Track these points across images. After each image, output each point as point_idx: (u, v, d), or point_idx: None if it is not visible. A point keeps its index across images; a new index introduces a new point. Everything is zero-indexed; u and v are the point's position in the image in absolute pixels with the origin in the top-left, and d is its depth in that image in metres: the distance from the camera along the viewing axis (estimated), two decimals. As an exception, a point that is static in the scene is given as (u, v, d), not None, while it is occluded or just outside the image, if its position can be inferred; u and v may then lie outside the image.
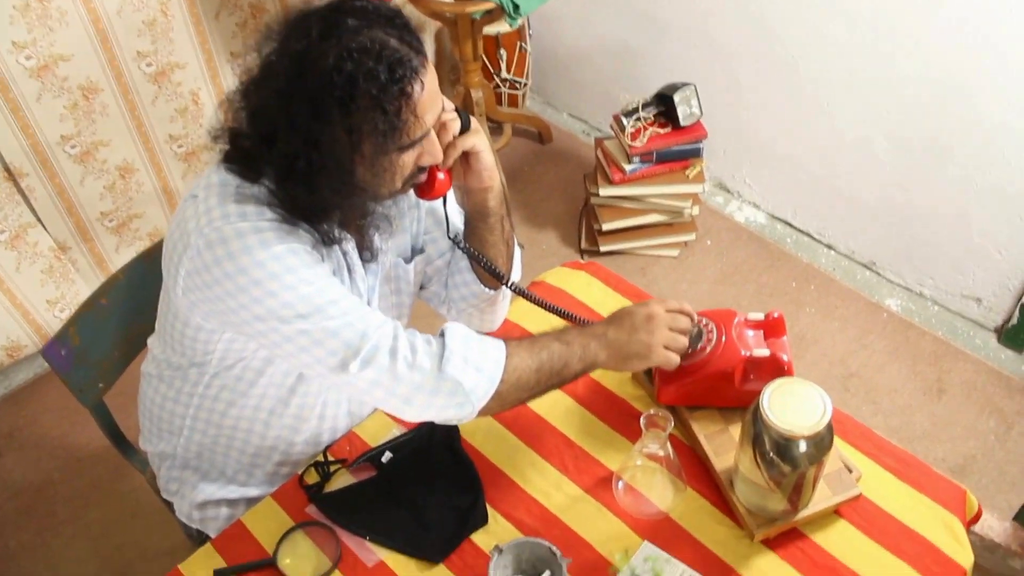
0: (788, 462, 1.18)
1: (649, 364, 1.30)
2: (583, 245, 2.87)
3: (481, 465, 1.41)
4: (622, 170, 2.62)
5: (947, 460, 2.25)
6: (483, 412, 1.24)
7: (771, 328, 1.42)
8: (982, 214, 2.38)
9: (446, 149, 1.27)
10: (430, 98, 1.14)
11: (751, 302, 2.66)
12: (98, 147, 2.42)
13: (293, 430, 1.43)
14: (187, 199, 1.23)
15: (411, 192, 1.29)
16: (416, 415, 1.23)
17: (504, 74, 3.15)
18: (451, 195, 1.41)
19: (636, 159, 2.60)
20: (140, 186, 2.58)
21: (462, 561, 1.30)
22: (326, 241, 1.21)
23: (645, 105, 2.59)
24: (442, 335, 1.24)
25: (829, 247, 2.81)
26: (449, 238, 1.42)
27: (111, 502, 2.27)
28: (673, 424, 1.27)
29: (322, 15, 1.09)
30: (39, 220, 2.39)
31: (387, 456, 1.42)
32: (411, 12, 1.19)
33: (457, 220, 1.46)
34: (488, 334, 1.59)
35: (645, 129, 2.57)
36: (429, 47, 3.21)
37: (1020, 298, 2.42)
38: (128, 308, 1.58)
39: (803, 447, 1.16)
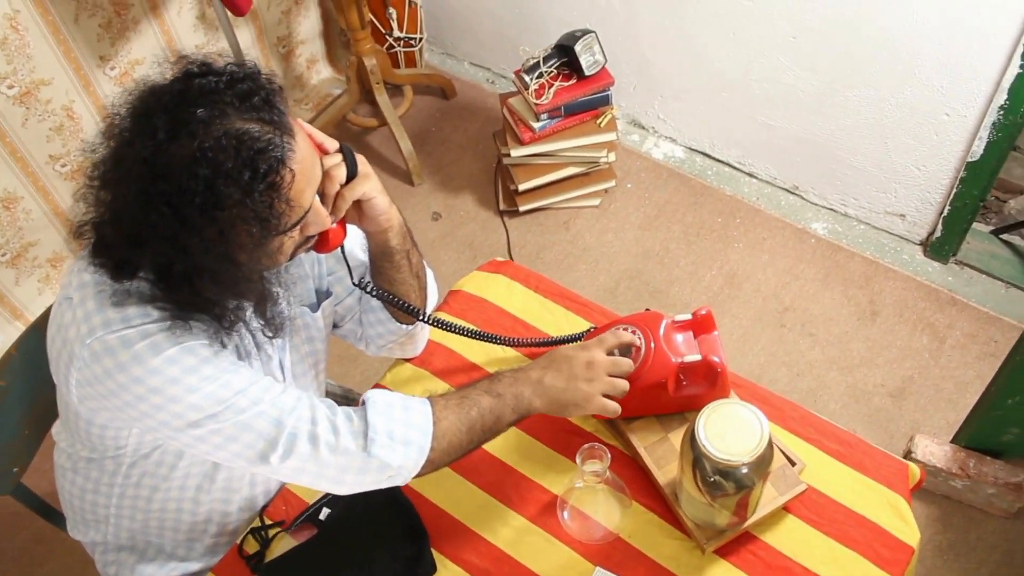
0: (731, 483, 1.16)
1: (587, 412, 1.27)
2: (502, 206, 2.78)
3: (421, 506, 1.37)
4: (531, 129, 2.52)
5: (886, 385, 2.28)
6: (417, 476, 1.20)
7: (700, 326, 1.39)
8: (898, 133, 2.35)
9: (335, 200, 1.18)
10: (304, 178, 1.04)
11: (679, 245, 2.62)
12: (-28, 183, 2.25)
13: (225, 501, 1.37)
14: (62, 301, 1.13)
15: None
16: (350, 491, 1.19)
17: (397, 32, 2.99)
18: (350, 234, 1.33)
19: (544, 116, 2.50)
20: (28, 214, 2.42)
21: (416, 619, 1.27)
22: (225, 327, 1.11)
23: (546, 59, 2.48)
24: (363, 403, 1.19)
25: (750, 175, 2.77)
26: (354, 284, 1.34)
27: (59, 553, 2.18)
28: (611, 458, 1.23)
29: (166, 108, 0.97)
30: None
31: (325, 512, 1.38)
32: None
33: (362, 255, 1.38)
34: (410, 361, 1.54)
35: (550, 85, 2.47)
36: (314, 17, 3.02)
37: (942, 211, 2.42)
38: (30, 384, 1.48)
39: (745, 470, 1.14)
